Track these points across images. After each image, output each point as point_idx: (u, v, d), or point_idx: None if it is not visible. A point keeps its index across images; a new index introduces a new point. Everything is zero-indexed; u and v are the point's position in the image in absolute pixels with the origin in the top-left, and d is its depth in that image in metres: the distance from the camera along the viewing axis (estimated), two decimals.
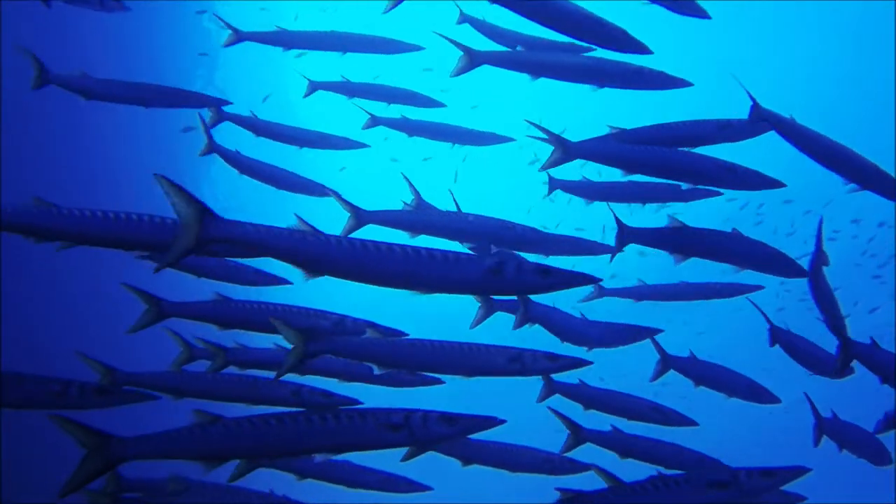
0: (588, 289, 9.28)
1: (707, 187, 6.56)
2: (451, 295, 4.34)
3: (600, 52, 6.37)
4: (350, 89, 9.47)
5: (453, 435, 4.60)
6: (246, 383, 6.11)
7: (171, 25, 18.52)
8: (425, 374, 6.01)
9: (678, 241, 6.05)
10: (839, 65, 29.30)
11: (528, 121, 6.14)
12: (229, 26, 9.19)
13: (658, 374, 7.73)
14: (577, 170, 8.06)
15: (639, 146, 6.03)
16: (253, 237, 3.96)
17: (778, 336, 7.62)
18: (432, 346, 5.35)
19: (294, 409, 4.65)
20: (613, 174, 6.56)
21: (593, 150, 6.06)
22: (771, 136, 6.25)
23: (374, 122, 9.69)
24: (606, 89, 6.45)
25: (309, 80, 9.78)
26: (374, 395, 5.61)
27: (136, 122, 14.79)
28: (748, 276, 6.85)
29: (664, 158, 5.95)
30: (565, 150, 6.04)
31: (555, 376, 7.27)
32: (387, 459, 5.91)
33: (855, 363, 6.19)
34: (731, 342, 28.57)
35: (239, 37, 9.20)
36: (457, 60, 6.54)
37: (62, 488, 4.18)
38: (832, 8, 27.76)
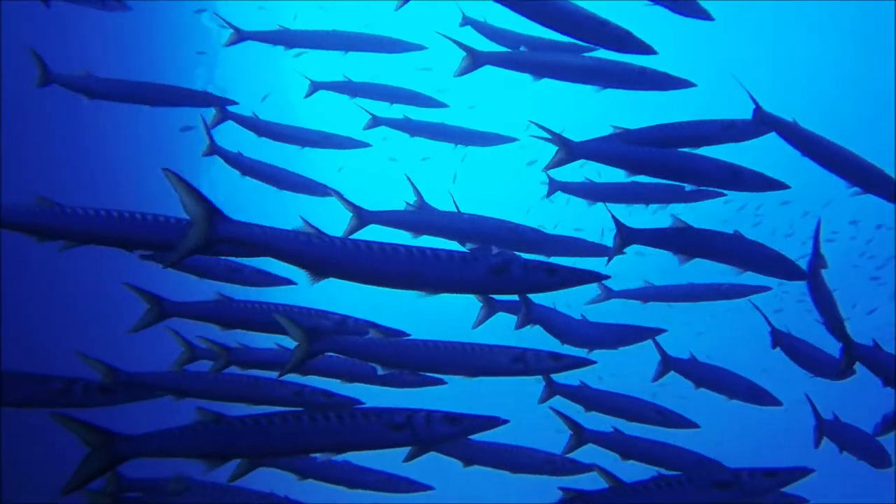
0: (595, 291, 9.28)
1: (711, 189, 6.55)
2: (450, 295, 4.34)
3: (600, 53, 6.38)
4: (352, 89, 9.44)
5: (456, 435, 4.61)
6: (247, 383, 6.10)
7: (171, 25, 18.51)
8: (427, 374, 6.00)
9: (680, 241, 6.04)
10: (839, 65, 29.36)
11: (532, 121, 6.12)
12: (231, 25, 9.15)
13: (659, 375, 7.72)
14: (577, 170, 8.06)
15: (643, 147, 5.99)
16: (259, 238, 3.97)
17: (779, 339, 7.63)
18: (436, 347, 5.35)
19: (296, 409, 4.65)
20: (613, 175, 6.56)
21: (597, 150, 6.03)
22: (769, 138, 6.26)
23: (376, 122, 9.63)
24: (605, 89, 6.45)
25: (311, 80, 9.72)
26: (373, 396, 5.60)
27: (136, 122, 14.78)
28: (748, 276, 6.85)
29: (668, 160, 5.93)
30: (569, 151, 6.02)
31: (556, 378, 7.27)
32: (387, 460, 5.91)
33: (856, 364, 6.19)
34: (731, 343, 28.62)
35: (241, 36, 9.16)
36: (460, 61, 6.54)
37: (65, 486, 4.19)
38: (832, 8, 27.80)
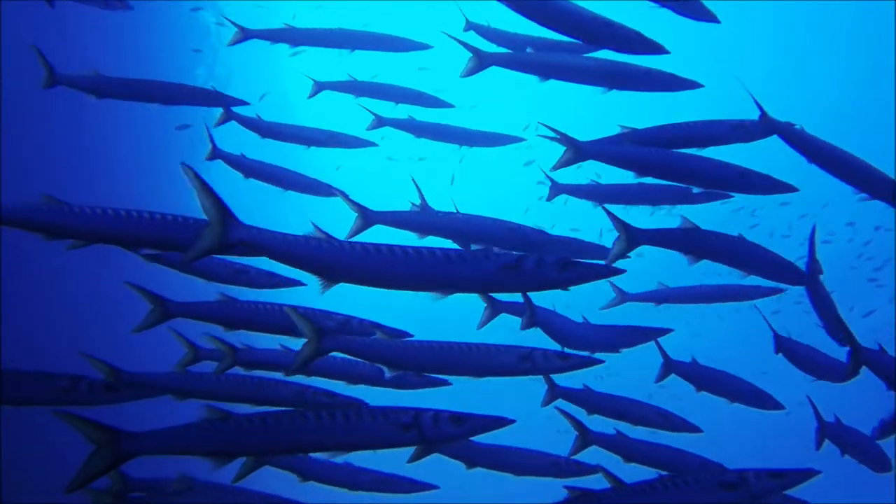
0: (610, 295, 9.23)
1: (716, 191, 6.53)
2: (450, 296, 4.32)
3: (603, 54, 6.36)
4: (356, 88, 9.38)
5: (462, 435, 4.59)
6: (251, 384, 6.08)
7: (170, 23, 18.47)
8: (432, 375, 5.99)
9: (687, 243, 6.00)
10: (839, 65, 29.41)
11: (540, 122, 6.11)
12: (235, 24, 9.10)
13: (661, 377, 7.70)
14: (577, 171, 8.05)
15: (652, 149, 5.93)
16: (270, 243, 3.99)
17: (781, 344, 7.63)
18: (441, 347, 5.34)
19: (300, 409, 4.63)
20: (613, 175, 6.54)
21: (605, 151, 6.00)
22: (767, 139, 6.24)
23: (381, 122, 9.53)
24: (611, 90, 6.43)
25: (315, 80, 9.65)
26: (375, 397, 5.58)
27: (136, 122, 14.76)
28: (751, 278, 6.85)
29: (677, 162, 5.90)
30: (577, 151, 6.00)
31: (558, 381, 7.24)
32: (387, 461, 5.89)
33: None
34: (730, 343, 28.65)
35: (245, 34, 9.11)
36: (465, 61, 6.54)
37: (69, 483, 4.16)
38: (832, 8, 27.85)
